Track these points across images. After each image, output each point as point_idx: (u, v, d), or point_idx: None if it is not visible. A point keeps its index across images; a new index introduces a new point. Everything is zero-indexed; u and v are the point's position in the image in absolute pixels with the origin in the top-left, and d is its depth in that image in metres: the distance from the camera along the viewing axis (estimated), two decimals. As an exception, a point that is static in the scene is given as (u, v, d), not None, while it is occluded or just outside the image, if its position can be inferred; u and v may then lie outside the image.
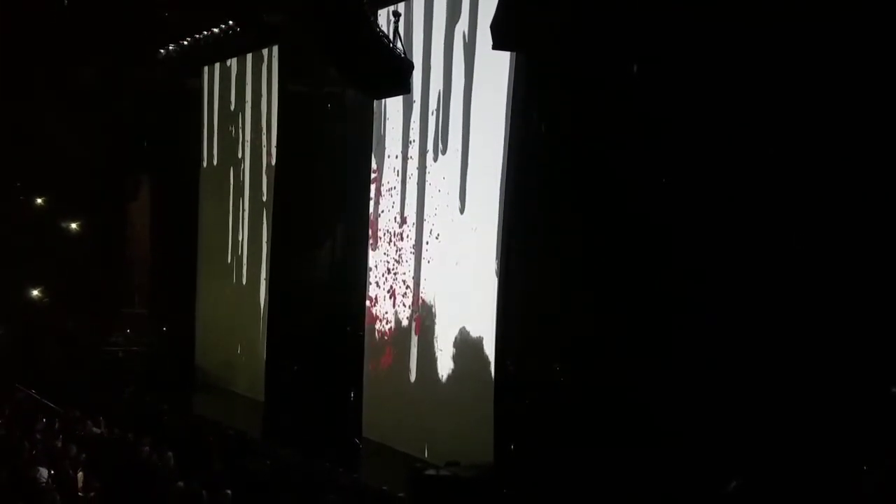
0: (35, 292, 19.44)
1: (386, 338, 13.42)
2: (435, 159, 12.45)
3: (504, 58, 10.73)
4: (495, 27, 8.85)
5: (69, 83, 18.69)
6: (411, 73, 9.54)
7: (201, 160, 19.16)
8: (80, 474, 9.69)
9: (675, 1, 8.81)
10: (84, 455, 10.29)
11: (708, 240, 8.48)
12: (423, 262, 12.61)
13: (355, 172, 14.14)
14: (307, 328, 15.17)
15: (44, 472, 9.25)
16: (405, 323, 12.96)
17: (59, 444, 10.87)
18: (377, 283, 13.58)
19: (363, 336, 13.79)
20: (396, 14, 9.80)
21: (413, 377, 12.76)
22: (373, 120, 13.70)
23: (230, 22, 16.53)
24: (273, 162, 16.39)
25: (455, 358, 11.93)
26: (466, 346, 11.76)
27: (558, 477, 9.51)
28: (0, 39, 17.95)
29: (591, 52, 9.39)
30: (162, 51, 18.24)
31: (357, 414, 13.64)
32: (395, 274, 13.21)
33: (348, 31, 9.12)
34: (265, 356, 16.33)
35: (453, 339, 11.94)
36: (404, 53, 9.41)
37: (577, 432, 9.58)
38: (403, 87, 9.69)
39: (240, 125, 17.80)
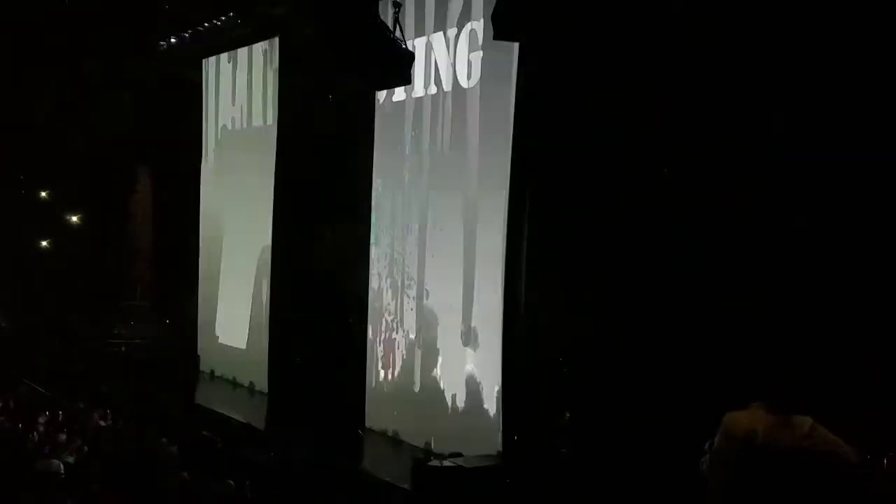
0: (37, 285, 19.44)
1: (389, 329, 13.43)
2: (438, 150, 12.42)
3: (509, 48, 10.69)
4: (496, 17, 8.80)
5: (69, 75, 18.67)
6: (412, 63, 9.51)
7: (202, 152, 19.14)
8: (84, 466, 9.72)
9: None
10: (88, 447, 10.33)
11: (712, 236, 8.46)
12: (427, 254, 12.59)
13: (356, 164, 14.11)
14: (310, 320, 15.20)
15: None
16: (409, 314, 12.96)
17: (63, 437, 10.91)
18: (380, 274, 13.58)
19: (366, 327, 13.80)
20: (397, 4, 9.76)
21: (417, 369, 12.77)
22: (374, 111, 13.66)
23: (230, 13, 16.50)
24: (273, 154, 16.37)
25: (460, 350, 11.93)
26: (471, 338, 11.76)
27: (562, 469, 9.53)
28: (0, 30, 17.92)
29: (594, 42, 9.35)
30: (162, 43, 18.21)
31: (360, 405, 13.66)
32: (398, 266, 13.20)
33: (349, 22, 9.09)
34: (268, 347, 16.37)
35: (458, 332, 11.93)
36: (405, 44, 9.38)
37: (581, 425, 9.59)
38: (404, 78, 9.66)
39: (241, 116, 17.76)
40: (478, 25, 11.49)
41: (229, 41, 17.40)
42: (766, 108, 8.14)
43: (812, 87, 7.72)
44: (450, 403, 12.05)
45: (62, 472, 9.14)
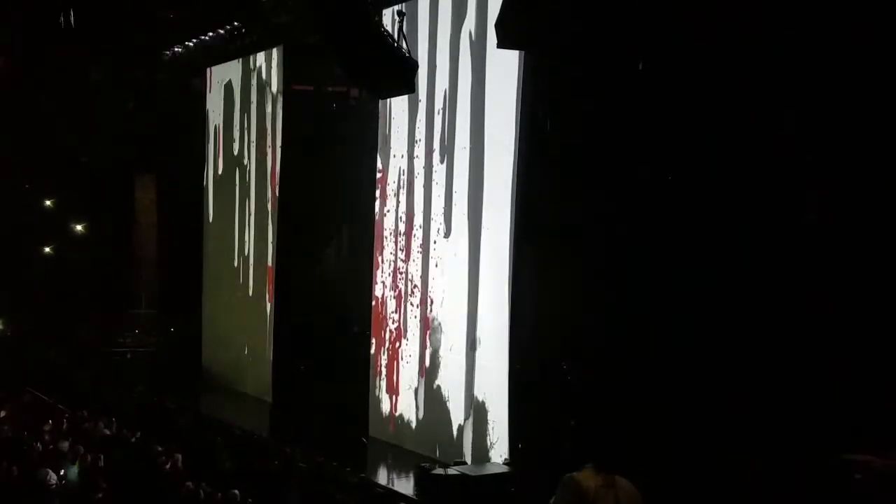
0: (42, 293, 19.48)
1: (393, 337, 13.42)
2: (441, 159, 12.44)
3: (513, 56, 10.72)
4: (500, 25, 8.83)
5: (76, 85, 18.75)
6: (415, 72, 9.54)
7: (207, 161, 19.19)
8: (88, 475, 9.71)
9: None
10: (92, 456, 10.32)
11: (715, 239, 8.47)
12: (431, 263, 12.59)
13: (360, 172, 14.13)
14: (314, 328, 15.21)
15: (52, 475, 9.27)
16: (413, 322, 12.96)
17: (68, 445, 10.89)
18: (384, 282, 13.58)
19: (370, 335, 13.80)
20: (401, 14, 9.78)
21: (422, 377, 12.75)
22: (378, 119, 13.69)
23: (235, 23, 16.58)
24: (278, 162, 16.41)
25: (464, 357, 11.91)
26: (476, 346, 11.75)
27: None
28: (6, 41, 18.01)
29: (596, 49, 9.38)
30: (167, 52, 18.30)
31: (364, 413, 13.65)
32: (402, 273, 13.21)
33: (353, 31, 9.12)
34: (272, 356, 16.37)
35: (463, 339, 11.92)
36: (409, 53, 9.41)
37: (587, 432, 9.56)
38: (408, 87, 9.69)
39: (245, 125, 17.82)
40: (480, 31, 11.53)
41: (234, 50, 17.47)
42: (769, 112, 8.15)
43: (818, 85, 7.73)
44: (453, 411, 12.03)
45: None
